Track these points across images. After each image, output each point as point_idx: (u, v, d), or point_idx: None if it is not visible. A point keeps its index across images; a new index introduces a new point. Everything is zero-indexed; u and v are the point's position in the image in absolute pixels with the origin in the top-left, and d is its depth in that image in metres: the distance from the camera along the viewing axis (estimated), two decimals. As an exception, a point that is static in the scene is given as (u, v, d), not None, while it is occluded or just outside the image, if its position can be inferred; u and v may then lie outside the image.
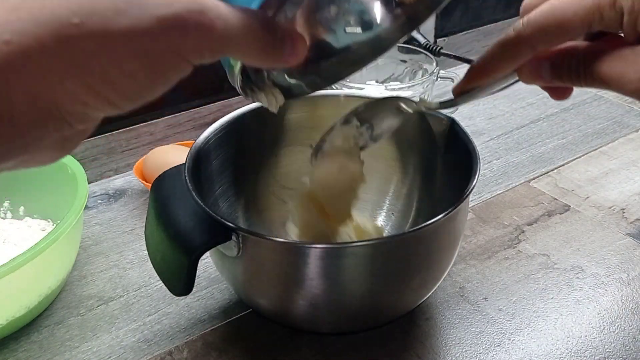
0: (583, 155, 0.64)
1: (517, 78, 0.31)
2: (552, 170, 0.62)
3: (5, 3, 0.19)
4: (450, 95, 0.36)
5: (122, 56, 0.20)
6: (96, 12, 0.19)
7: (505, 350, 0.41)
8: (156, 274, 0.38)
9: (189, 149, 0.42)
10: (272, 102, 0.35)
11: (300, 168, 0.51)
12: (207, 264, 0.49)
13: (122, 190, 0.60)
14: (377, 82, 0.72)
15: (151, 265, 0.38)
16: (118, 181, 0.62)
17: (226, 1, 0.22)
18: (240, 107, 0.47)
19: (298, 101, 0.49)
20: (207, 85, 0.65)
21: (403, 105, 0.40)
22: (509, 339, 0.42)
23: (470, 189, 0.37)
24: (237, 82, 0.31)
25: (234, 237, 0.35)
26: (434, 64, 0.64)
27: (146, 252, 0.39)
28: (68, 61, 0.19)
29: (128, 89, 0.21)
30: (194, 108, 0.66)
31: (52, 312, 0.45)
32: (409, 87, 0.61)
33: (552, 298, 0.45)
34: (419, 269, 0.38)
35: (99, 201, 0.58)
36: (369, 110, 0.41)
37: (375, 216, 0.51)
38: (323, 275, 0.36)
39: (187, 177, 0.38)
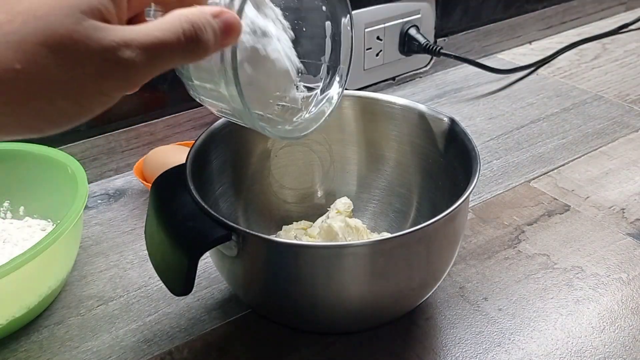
0: (583, 155, 0.64)
1: None
2: (552, 170, 0.62)
3: None
4: None
5: (56, 97, 0.23)
6: (37, 61, 0.22)
7: (505, 350, 0.41)
8: (156, 274, 0.38)
9: (189, 149, 0.42)
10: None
11: (300, 168, 0.51)
12: (207, 264, 0.49)
13: (122, 190, 0.60)
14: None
15: (151, 265, 0.38)
16: (118, 181, 0.62)
17: None
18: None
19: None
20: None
21: None
22: (509, 339, 0.42)
23: (471, 189, 0.37)
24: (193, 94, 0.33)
25: (233, 237, 0.35)
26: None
27: (146, 252, 0.39)
28: (4, 100, 0.22)
29: (58, 121, 0.24)
30: (194, 108, 0.65)
31: (52, 312, 0.45)
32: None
33: (552, 298, 0.45)
34: (419, 269, 0.38)
35: (99, 201, 0.58)
36: None
37: (376, 216, 0.51)
38: (323, 275, 0.36)
39: (187, 177, 0.38)
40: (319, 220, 0.48)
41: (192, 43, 0.25)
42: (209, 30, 0.26)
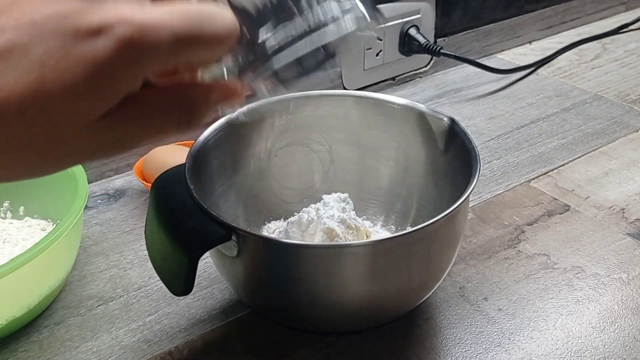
0: (583, 155, 0.64)
1: None
2: (552, 170, 0.62)
3: None
4: None
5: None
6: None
7: (505, 350, 0.41)
8: (156, 274, 0.38)
9: (189, 149, 0.42)
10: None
11: (300, 168, 0.51)
12: (207, 264, 0.49)
13: (122, 190, 0.60)
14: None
15: (151, 265, 0.38)
16: (118, 181, 0.62)
17: None
18: (240, 107, 0.47)
19: (298, 101, 0.49)
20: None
21: None
22: (509, 339, 0.42)
23: (471, 189, 0.37)
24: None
25: (233, 237, 0.35)
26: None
27: (146, 252, 0.39)
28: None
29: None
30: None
31: (52, 312, 0.45)
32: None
33: (552, 298, 0.45)
34: (419, 269, 0.38)
35: (99, 201, 0.58)
36: None
37: (375, 216, 0.51)
38: (323, 275, 0.36)
39: (187, 177, 0.38)
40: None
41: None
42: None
